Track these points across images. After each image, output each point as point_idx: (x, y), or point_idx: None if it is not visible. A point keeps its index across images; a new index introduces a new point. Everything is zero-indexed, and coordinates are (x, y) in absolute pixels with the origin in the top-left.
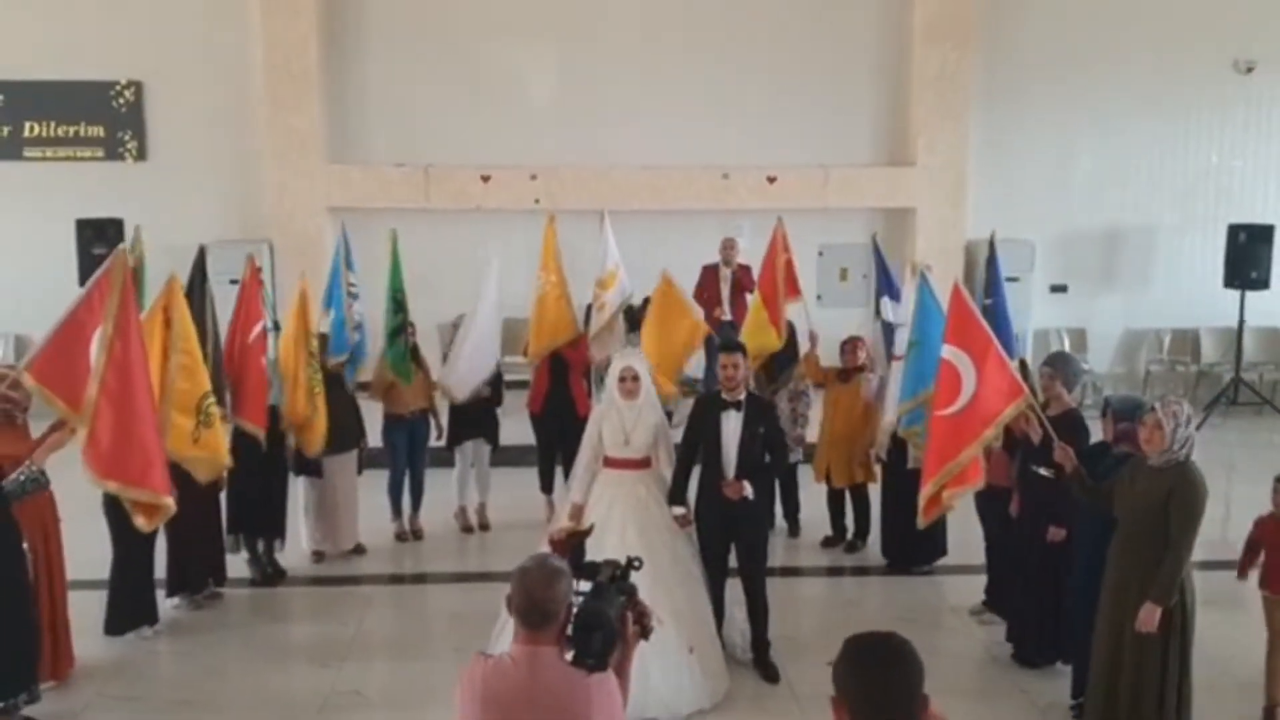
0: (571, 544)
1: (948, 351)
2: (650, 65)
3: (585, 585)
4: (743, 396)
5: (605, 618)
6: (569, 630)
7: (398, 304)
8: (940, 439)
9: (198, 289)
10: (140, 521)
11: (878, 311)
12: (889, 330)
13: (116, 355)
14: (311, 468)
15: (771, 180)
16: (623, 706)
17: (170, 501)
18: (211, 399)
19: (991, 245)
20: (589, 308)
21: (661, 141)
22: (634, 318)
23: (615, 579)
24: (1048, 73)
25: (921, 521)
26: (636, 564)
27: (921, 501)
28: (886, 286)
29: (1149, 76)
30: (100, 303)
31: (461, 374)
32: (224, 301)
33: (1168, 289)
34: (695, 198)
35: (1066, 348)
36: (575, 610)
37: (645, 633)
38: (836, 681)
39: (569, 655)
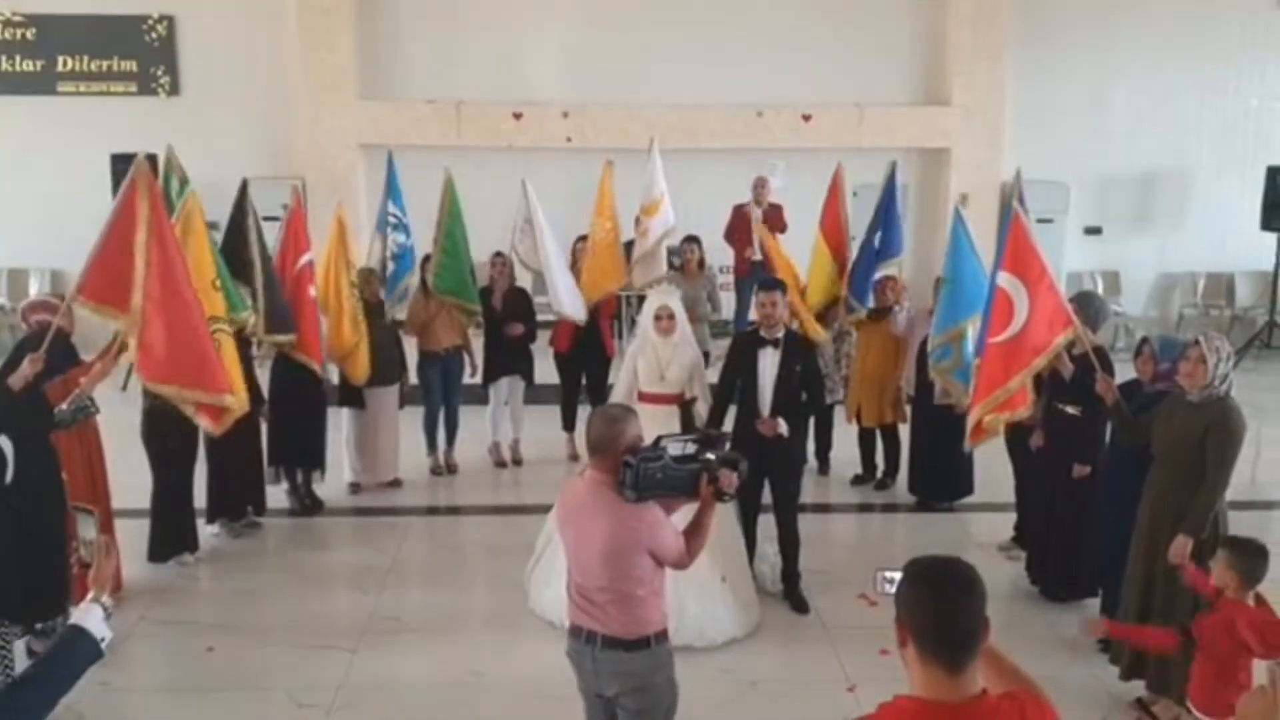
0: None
1: (1003, 279)
2: (684, 2)
3: (674, 447)
4: (780, 334)
5: (635, 459)
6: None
7: (454, 241)
8: (991, 365)
9: (239, 221)
10: (205, 424)
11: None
12: (865, 252)
13: (155, 261)
14: (354, 399)
15: (806, 119)
16: (671, 546)
17: (231, 399)
18: (219, 325)
19: (1018, 182)
20: (624, 245)
21: (695, 79)
22: (671, 258)
23: (709, 444)
24: (1086, 11)
25: (968, 445)
26: (724, 437)
27: (969, 425)
28: (885, 216)
29: (1190, 14)
30: (132, 211)
31: (569, 299)
32: None
33: (1203, 232)
34: (729, 136)
35: (1100, 290)
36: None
37: (719, 495)
38: (901, 605)
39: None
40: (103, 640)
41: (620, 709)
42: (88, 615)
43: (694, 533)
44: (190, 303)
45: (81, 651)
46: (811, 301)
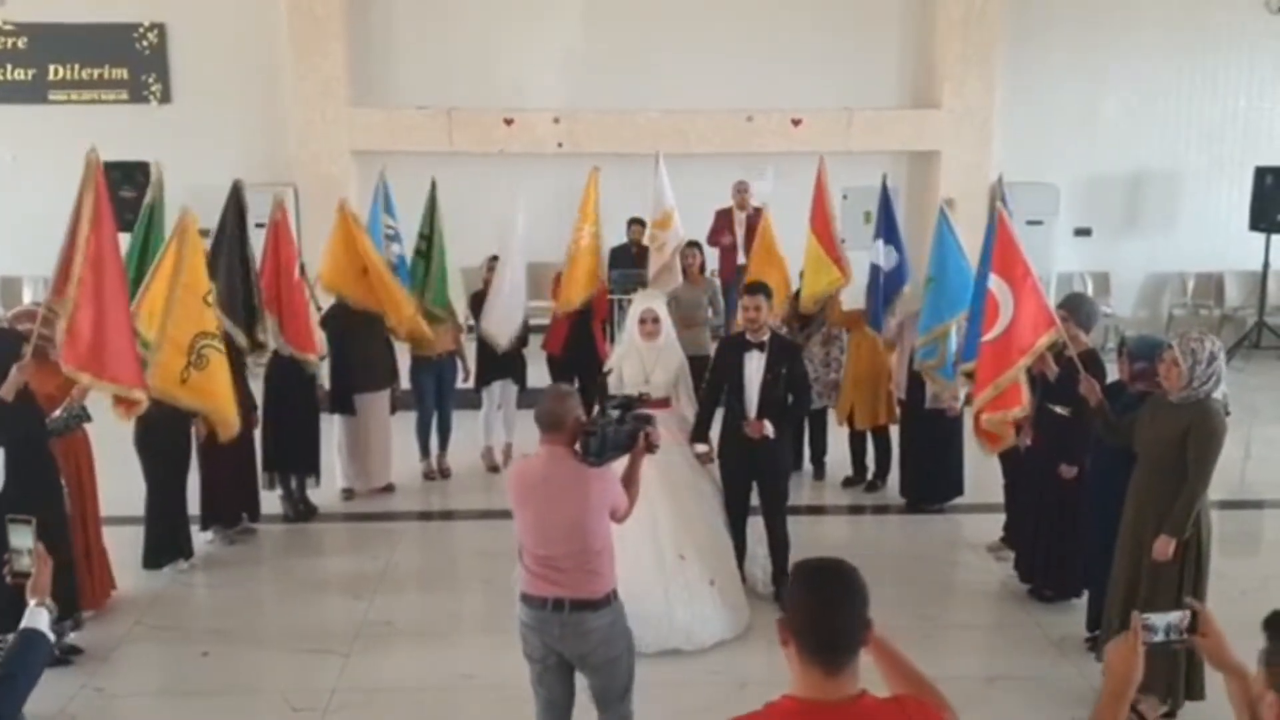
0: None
1: (992, 281)
2: (674, 7)
3: (614, 413)
4: (766, 337)
5: (596, 428)
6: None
7: (429, 246)
8: (984, 364)
9: (233, 225)
10: (120, 412)
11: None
12: (876, 274)
13: (91, 252)
14: (345, 406)
15: (796, 123)
16: (623, 499)
17: (141, 394)
18: (208, 342)
19: (1001, 187)
20: (615, 249)
21: (685, 84)
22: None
23: (629, 407)
24: (1075, 13)
25: (987, 451)
26: (646, 395)
27: (975, 429)
28: (886, 231)
29: (1178, 16)
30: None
31: (499, 321)
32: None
33: (1192, 232)
34: (719, 141)
35: (1089, 291)
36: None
37: (651, 448)
38: (785, 605)
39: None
40: (52, 641)
41: (587, 666)
42: (38, 618)
43: (630, 484)
44: (118, 296)
45: (42, 651)
46: (807, 294)
